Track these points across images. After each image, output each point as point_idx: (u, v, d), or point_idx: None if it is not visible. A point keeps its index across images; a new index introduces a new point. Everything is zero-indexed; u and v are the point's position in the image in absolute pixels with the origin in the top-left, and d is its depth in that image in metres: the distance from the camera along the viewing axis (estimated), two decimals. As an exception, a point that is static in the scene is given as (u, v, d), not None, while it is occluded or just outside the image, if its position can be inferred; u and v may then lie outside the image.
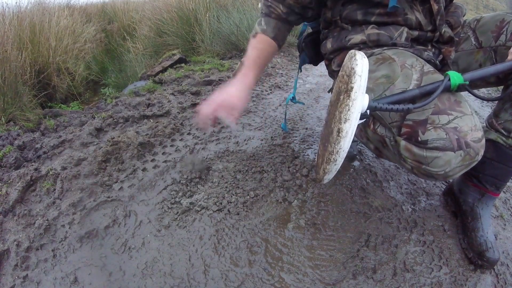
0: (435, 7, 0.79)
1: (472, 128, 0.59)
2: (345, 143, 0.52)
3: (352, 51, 0.54)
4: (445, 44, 0.87)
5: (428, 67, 0.69)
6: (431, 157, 0.60)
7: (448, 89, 0.61)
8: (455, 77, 0.60)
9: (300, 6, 0.89)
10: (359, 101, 0.50)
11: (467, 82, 0.61)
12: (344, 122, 0.51)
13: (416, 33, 0.82)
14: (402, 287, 0.83)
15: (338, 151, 0.53)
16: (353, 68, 0.50)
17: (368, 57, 0.81)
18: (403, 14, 0.79)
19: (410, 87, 0.65)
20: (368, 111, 0.55)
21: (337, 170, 0.58)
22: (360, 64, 0.49)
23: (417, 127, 0.60)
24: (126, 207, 1.03)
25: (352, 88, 0.49)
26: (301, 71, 1.31)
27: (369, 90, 0.70)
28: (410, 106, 0.57)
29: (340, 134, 0.52)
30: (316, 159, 0.73)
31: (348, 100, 0.50)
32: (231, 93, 0.86)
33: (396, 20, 0.80)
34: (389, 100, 0.60)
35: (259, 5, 0.99)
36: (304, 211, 1.02)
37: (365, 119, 0.58)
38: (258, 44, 0.93)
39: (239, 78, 0.91)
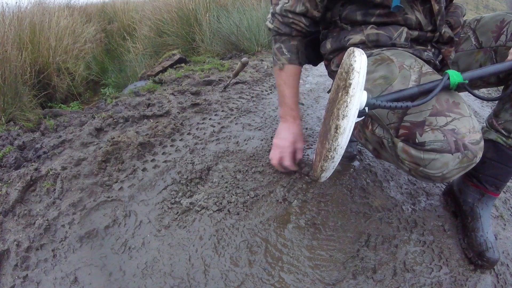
0: (435, 7, 0.79)
1: (470, 130, 0.58)
2: (343, 140, 0.52)
3: (351, 48, 0.54)
4: (445, 44, 0.87)
5: (426, 68, 0.69)
6: (428, 159, 0.59)
7: (447, 88, 0.61)
8: (455, 76, 0.60)
9: (320, 16, 0.90)
10: (357, 98, 0.50)
11: (467, 81, 0.61)
12: (342, 119, 0.50)
13: (415, 33, 0.82)
14: (402, 287, 0.83)
15: (335, 148, 0.53)
16: (352, 65, 0.50)
17: (367, 57, 0.81)
18: (403, 14, 0.79)
19: None
20: (366, 108, 0.55)
21: (334, 167, 0.58)
22: (358, 60, 0.49)
23: (415, 128, 0.60)
24: (126, 207, 1.03)
25: (350, 84, 0.49)
26: (301, 71, 1.31)
27: (367, 91, 0.70)
28: (409, 104, 0.57)
29: (338, 131, 0.51)
30: (314, 158, 0.73)
31: (346, 96, 0.50)
32: (291, 139, 1.05)
33: (396, 20, 0.80)
34: (387, 98, 0.60)
35: (267, 23, 0.97)
36: (304, 211, 1.02)
37: (363, 117, 0.57)
38: (289, 80, 0.99)
39: (291, 121, 1.06)
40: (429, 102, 0.60)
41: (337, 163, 0.57)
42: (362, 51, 0.51)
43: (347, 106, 0.50)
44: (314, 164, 0.70)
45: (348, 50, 0.54)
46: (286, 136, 1.04)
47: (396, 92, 0.62)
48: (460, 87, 0.63)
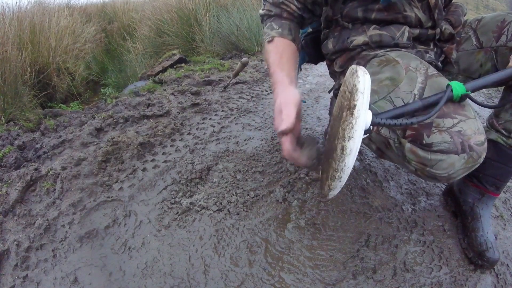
0: (432, 0, 0.79)
1: (475, 132, 0.60)
2: (350, 161, 0.52)
3: (353, 66, 0.52)
4: (447, 42, 0.87)
5: (432, 70, 0.69)
6: (435, 159, 0.60)
7: (451, 100, 0.62)
8: (458, 88, 0.61)
9: (311, 2, 0.86)
10: (362, 119, 0.49)
11: (470, 92, 0.62)
12: (348, 140, 0.50)
13: (417, 31, 0.82)
14: (402, 287, 0.83)
15: (342, 168, 0.53)
16: (355, 85, 0.49)
17: (371, 59, 0.81)
18: (402, 11, 0.79)
19: (415, 90, 0.65)
20: (371, 127, 0.55)
21: (342, 186, 0.58)
22: (362, 81, 0.49)
23: (422, 130, 0.61)
24: (126, 207, 1.03)
25: (355, 105, 0.49)
26: (300, 70, 1.30)
27: (373, 92, 0.69)
28: (414, 120, 0.57)
29: (344, 152, 0.51)
30: (320, 174, 0.72)
31: (351, 118, 0.50)
32: (284, 102, 0.69)
33: (396, 18, 0.80)
34: (392, 114, 0.60)
35: (260, 11, 0.94)
36: (304, 211, 1.02)
37: (368, 134, 0.57)
38: (276, 48, 0.83)
39: (277, 87, 0.76)
40: None
41: (344, 182, 0.57)
42: (365, 69, 0.50)
43: (352, 127, 0.49)
44: (321, 181, 0.69)
45: (351, 68, 0.53)
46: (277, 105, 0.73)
47: (400, 108, 0.62)
48: (463, 97, 0.63)
